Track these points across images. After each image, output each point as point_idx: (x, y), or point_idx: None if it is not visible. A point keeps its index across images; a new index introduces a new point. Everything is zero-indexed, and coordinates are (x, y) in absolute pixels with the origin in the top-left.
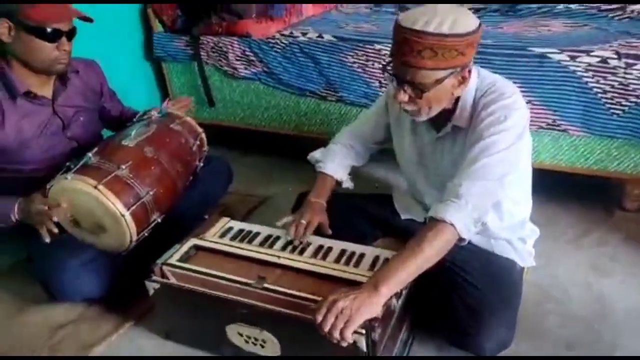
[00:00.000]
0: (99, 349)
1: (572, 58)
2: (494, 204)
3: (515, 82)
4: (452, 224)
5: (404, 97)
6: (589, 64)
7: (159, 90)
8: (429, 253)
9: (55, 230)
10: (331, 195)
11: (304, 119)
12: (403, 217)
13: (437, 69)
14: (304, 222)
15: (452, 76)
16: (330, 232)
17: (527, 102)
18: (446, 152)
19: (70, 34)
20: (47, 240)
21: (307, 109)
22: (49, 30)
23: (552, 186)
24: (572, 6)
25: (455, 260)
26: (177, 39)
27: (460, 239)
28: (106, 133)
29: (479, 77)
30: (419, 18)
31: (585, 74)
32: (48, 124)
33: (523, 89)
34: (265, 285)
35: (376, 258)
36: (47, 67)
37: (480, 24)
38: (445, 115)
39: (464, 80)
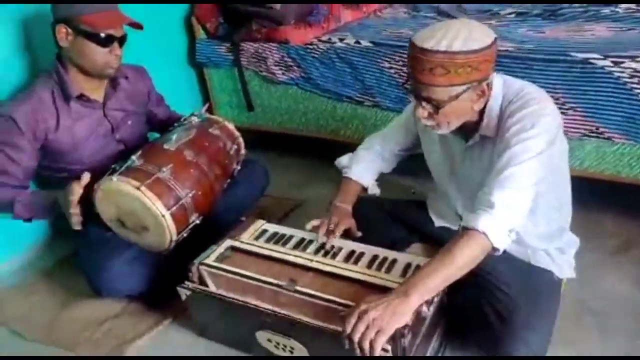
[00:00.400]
0: (138, 344)
1: (617, 64)
2: (529, 211)
3: (556, 88)
4: (484, 233)
5: (422, 113)
6: (635, 70)
7: (201, 94)
8: (460, 261)
9: (79, 217)
10: (365, 200)
11: (341, 123)
12: (437, 224)
13: (451, 86)
14: (331, 224)
15: (469, 91)
16: (359, 234)
17: (568, 109)
18: (475, 161)
19: (122, 40)
20: (78, 227)
21: (344, 113)
22: (102, 35)
23: (595, 195)
24: (619, 9)
25: (489, 268)
26: (219, 46)
27: (494, 249)
28: (152, 136)
29: (505, 85)
30: (431, 36)
31: (630, 80)
32: (98, 127)
33: (565, 96)
34: (297, 287)
35: (408, 265)
36: (99, 70)
37: (495, 39)
38: (473, 125)
39: (483, 94)
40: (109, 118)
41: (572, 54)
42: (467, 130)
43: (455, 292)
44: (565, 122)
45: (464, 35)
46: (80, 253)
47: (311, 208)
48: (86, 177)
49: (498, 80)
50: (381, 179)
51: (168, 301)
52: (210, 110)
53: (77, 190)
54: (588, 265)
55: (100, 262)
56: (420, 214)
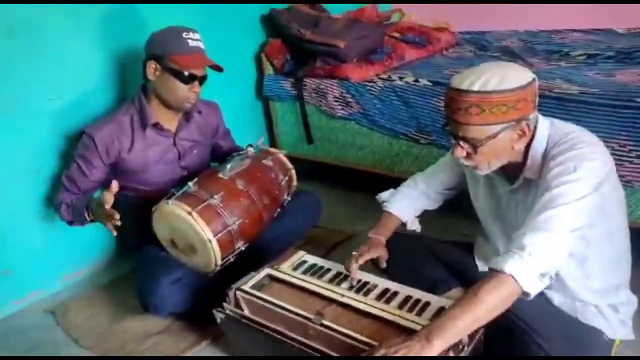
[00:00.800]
0: None
1: None
2: (579, 260)
3: (621, 135)
4: (512, 276)
5: (461, 152)
6: None
7: (266, 126)
8: (486, 305)
9: (117, 222)
10: (407, 237)
11: (396, 159)
12: (480, 269)
13: (486, 124)
14: (355, 253)
15: (507, 130)
16: (384, 265)
17: (635, 156)
18: (520, 204)
19: (202, 79)
20: (115, 233)
21: (399, 150)
22: (186, 74)
23: None
24: None
25: (529, 318)
26: (284, 81)
27: (525, 293)
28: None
29: (552, 128)
30: (466, 78)
31: None
32: (167, 153)
33: (629, 142)
34: (323, 322)
35: (441, 309)
36: (178, 104)
37: (534, 79)
38: (518, 167)
39: (523, 134)
40: (178, 146)
41: (637, 99)
42: (512, 172)
43: (495, 345)
44: (631, 171)
45: (499, 75)
46: (136, 270)
47: (359, 242)
48: (115, 185)
49: (544, 123)
50: (432, 217)
51: (210, 322)
52: (272, 141)
53: (107, 197)
54: None
55: (148, 280)
56: (465, 256)
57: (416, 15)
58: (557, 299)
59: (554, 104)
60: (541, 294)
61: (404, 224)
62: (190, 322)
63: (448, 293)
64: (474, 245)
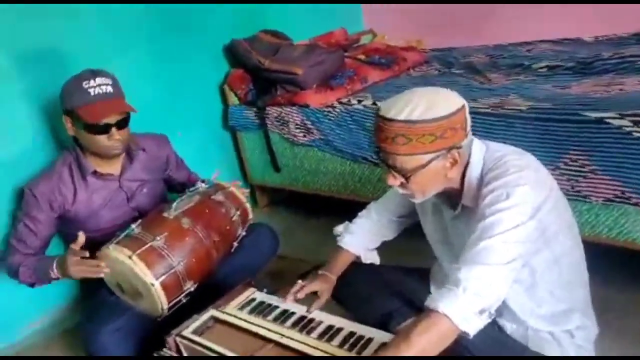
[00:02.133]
0: None
1: (636, 123)
2: (526, 288)
3: (571, 149)
4: (446, 315)
5: (393, 181)
6: None
7: (236, 156)
8: (417, 348)
9: (105, 269)
10: (361, 268)
11: (359, 184)
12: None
13: (414, 154)
14: (296, 288)
15: (438, 160)
16: (322, 301)
17: (588, 172)
18: (464, 231)
19: (120, 124)
20: (102, 275)
21: (362, 174)
22: (98, 125)
23: (628, 268)
24: None
25: (475, 349)
26: (248, 110)
27: (464, 332)
28: (171, 196)
29: (488, 152)
30: (394, 105)
31: None
32: (114, 197)
33: (582, 157)
34: None
35: (383, 344)
36: (104, 153)
37: (463, 105)
38: (457, 193)
39: (455, 162)
40: (124, 188)
41: (585, 113)
42: (453, 198)
43: None
44: (587, 186)
45: (426, 104)
46: (83, 318)
47: None
48: (81, 237)
49: (479, 147)
50: (392, 241)
51: None
52: (243, 171)
53: (74, 250)
54: (608, 352)
55: (91, 329)
56: (420, 284)
57: (388, 35)
58: (509, 327)
59: (502, 123)
60: (493, 322)
61: (358, 258)
62: None
63: (401, 325)
64: (431, 271)
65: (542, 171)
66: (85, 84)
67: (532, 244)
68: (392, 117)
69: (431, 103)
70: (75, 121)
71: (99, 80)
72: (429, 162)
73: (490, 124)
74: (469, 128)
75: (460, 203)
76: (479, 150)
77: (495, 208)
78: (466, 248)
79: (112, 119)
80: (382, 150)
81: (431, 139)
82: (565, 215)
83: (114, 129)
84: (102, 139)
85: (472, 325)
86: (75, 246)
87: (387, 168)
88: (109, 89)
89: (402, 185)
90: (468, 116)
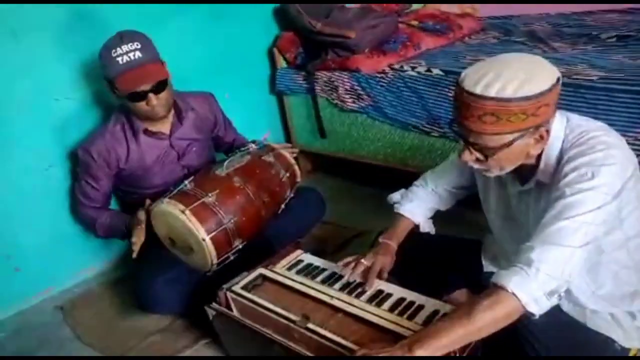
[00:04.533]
0: None
1: None
2: (589, 269)
3: None
4: (514, 294)
5: (469, 157)
6: None
7: (281, 120)
8: (480, 324)
9: (137, 246)
10: (412, 236)
11: (409, 153)
12: (485, 269)
13: (502, 134)
14: (365, 263)
15: (524, 138)
16: (384, 277)
17: None
18: (531, 208)
19: (157, 88)
20: (134, 255)
21: (411, 143)
22: (134, 93)
23: None
24: None
25: (532, 327)
26: (296, 74)
27: (530, 313)
28: (219, 157)
29: (568, 126)
30: (482, 78)
31: None
32: (165, 155)
33: None
34: (308, 325)
35: (434, 312)
36: (148, 117)
37: (558, 79)
38: (531, 169)
39: (541, 139)
40: (175, 147)
41: None
42: (524, 173)
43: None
44: None
45: (520, 78)
46: (135, 270)
47: (370, 240)
48: (148, 204)
49: (560, 120)
50: (448, 213)
51: (210, 322)
52: (288, 136)
53: (141, 216)
54: None
55: (144, 279)
56: (471, 255)
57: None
58: (565, 305)
59: (571, 92)
60: None
61: (417, 226)
62: (190, 322)
63: (452, 295)
64: (483, 243)
65: (627, 148)
66: (113, 53)
67: (608, 225)
68: (480, 93)
69: (525, 77)
70: (115, 90)
71: (125, 47)
72: (515, 140)
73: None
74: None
75: (534, 178)
76: (560, 123)
77: (578, 187)
78: (541, 226)
79: (146, 86)
80: (463, 127)
81: (523, 118)
82: None
83: (151, 95)
84: (141, 105)
85: (541, 306)
86: (143, 212)
87: (465, 144)
88: (137, 54)
89: (478, 160)
90: (560, 90)
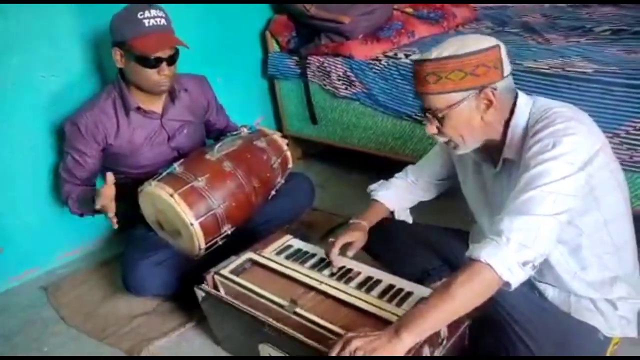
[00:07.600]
0: (159, 344)
1: None
2: (572, 249)
3: (636, 116)
4: (488, 265)
5: (430, 128)
6: None
7: (272, 106)
8: (460, 298)
9: (109, 212)
10: (399, 226)
11: (400, 141)
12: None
13: (445, 92)
14: (332, 240)
15: (469, 99)
16: (352, 253)
17: None
18: (505, 188)
19: (171, 60)
20: (115, 226)
21: (403, 131)
22: (149, 58)
23: None
24: None
25: (518, 315)
26: (289, 59)
27: (506, 283)
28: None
29: (535, 105)
30: (428, 50)
31: None
32: (155, 135)
33: None
34: (296, 310)
35: (422, 299)
36: (152, 89)
37: (496, 45)
38: (499, 148)
39: (490, 103)
40: (166, 128)
41: None
42: (494, 154)
43: (477, 333)
44: None
45: (457, 44)
46: (124, 252)
47: None
48: (110, 177)
49: (525, 100)
50: (436, 204)
51: (196, 305)
52: (279, 122)
53: (105, 191)
54: None
55: (131, 260)
56: (458, 244)
57: None
58: (550, 292)
59: (565, 84)
60: (534, 288)
61: (391, 213)
62: (177, 305)
63: (437, 283)
64: (470, 233)
65: (594, 126)
66: (140, 15)
67: (581, 200)
68: (422, 57)
69: (463, 43)
70: (127, 53)
71: (154, 12)
72: (461, 101)
73: (552, 85)
74: (506, 71)
75: (501, 157)
76: (525, 103)
77: (541, 158)
78: (509, 200)
79: (164, 53)
80: (417, 94)
81: (461, 75)
82: (618, 177)
83: (164, 64)
84: (152, 72)
85: (516, 276)
86: (107, 187)
87: (424, 115)
88: (163, 21)
89: (439, 132)
90: (505, 58)
